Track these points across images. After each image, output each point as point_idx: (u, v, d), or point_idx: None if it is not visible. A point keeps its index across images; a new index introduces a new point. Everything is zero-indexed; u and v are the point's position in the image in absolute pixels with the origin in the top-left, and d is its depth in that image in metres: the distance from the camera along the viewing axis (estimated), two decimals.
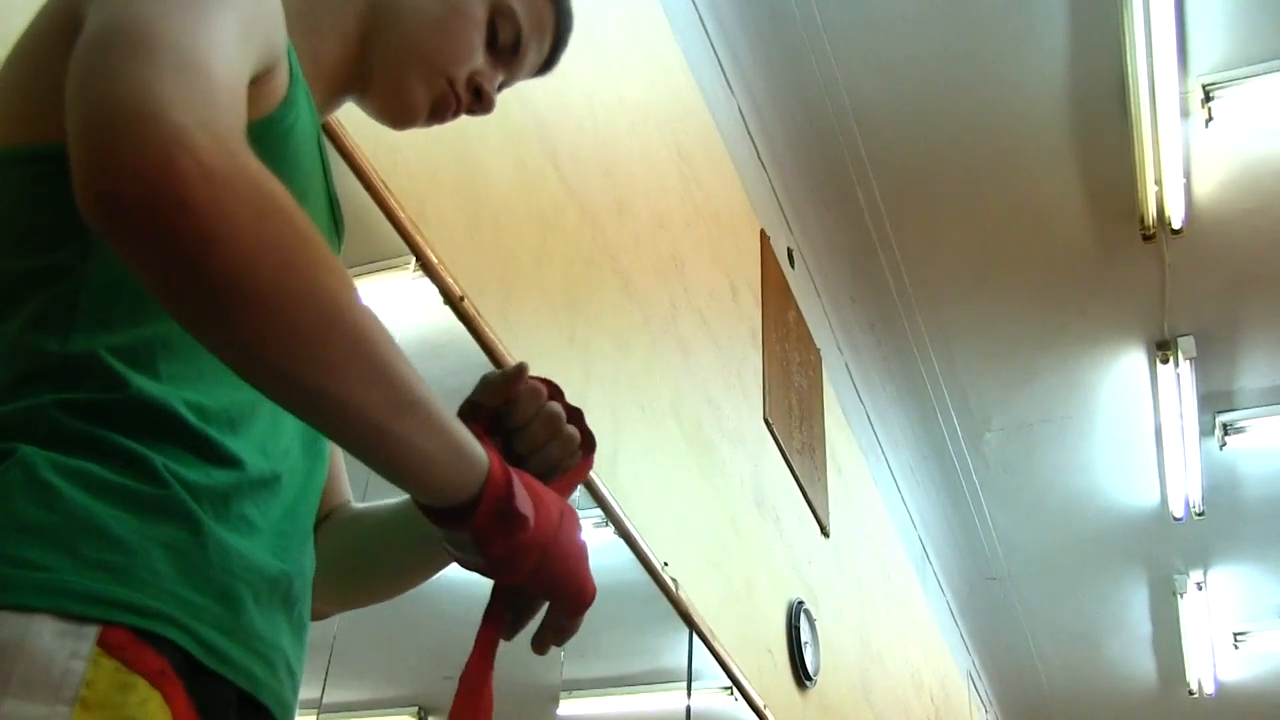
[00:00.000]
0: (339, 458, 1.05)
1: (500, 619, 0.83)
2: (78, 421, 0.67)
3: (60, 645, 0.60)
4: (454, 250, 1.90)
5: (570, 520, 0.82)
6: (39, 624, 0.60)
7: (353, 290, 0.66)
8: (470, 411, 0.84)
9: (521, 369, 0.86)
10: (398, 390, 0.67)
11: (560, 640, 0.85)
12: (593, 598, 0.83)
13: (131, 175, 0.58)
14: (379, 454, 0.69)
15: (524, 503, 0.76)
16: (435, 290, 1.84)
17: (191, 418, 0.71)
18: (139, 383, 0.70)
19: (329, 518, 1.02)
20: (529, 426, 0.86)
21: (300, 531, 0.81)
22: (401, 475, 0.71)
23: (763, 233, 3.88)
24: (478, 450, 0.74)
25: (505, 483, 0.75)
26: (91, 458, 0.66)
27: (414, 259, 1.79)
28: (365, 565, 1.01)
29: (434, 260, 1.81)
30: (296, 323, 0.62)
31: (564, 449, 0.87)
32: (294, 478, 0.80)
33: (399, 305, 1.83)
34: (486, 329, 1.93)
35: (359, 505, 1.04)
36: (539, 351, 2.17)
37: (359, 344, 0.65)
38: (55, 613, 0.60)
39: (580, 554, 0.82)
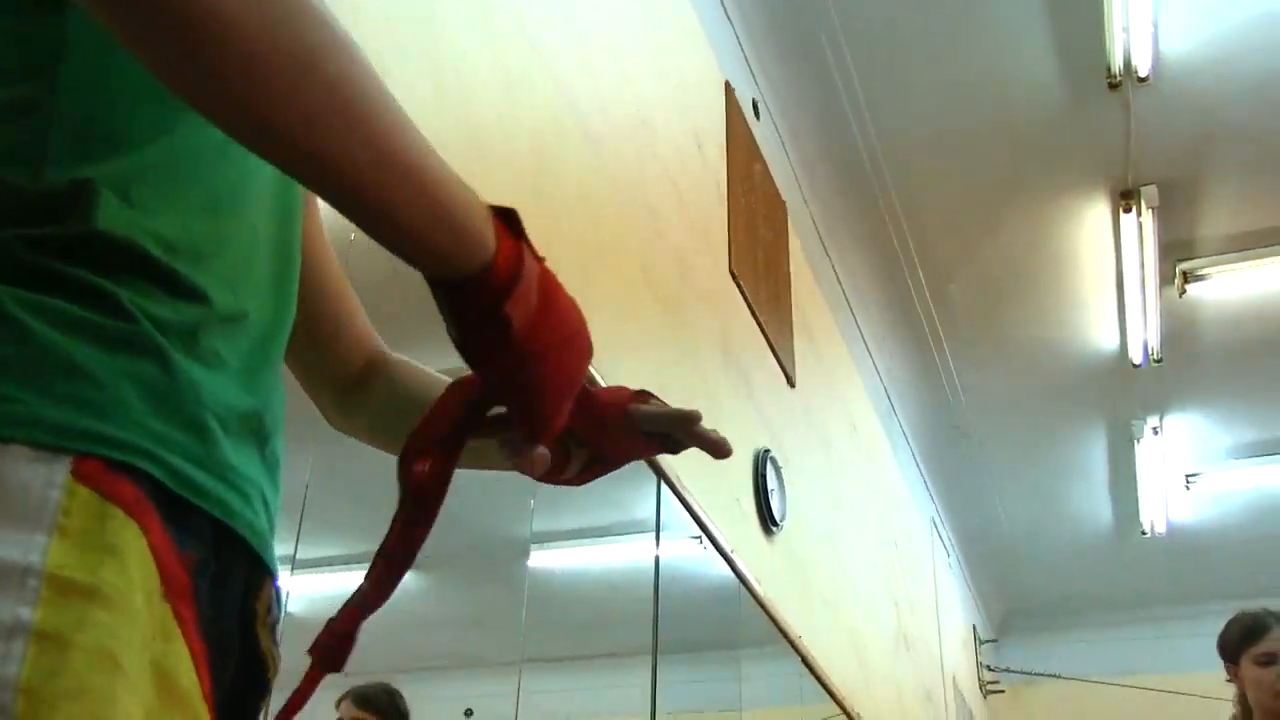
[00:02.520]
0: (353, 296, 1.04)
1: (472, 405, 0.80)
2: (42, 257, 0.66)
3: (35, 474, 0.60)
4: (417, 111, 1.88)
5: (577, 349, 0.78)
6: (13, 452, 0.60)
7: (345, 45, 0.64)
8: None
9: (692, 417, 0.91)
10: (385, 150, 0.66)
11: (515, 459, 0.81)
12: (554, 432, 0.79)
13: None
14: (364, 217, 0.67)
15: (520, 304, 0.71)
16: None
17: (157, 252, 0.70)
18: (106, 217, 0.69)
19: (371, 370, 1.02)
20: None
21: (269, 368, 0.81)
22: (389, 242, 0.68)
23: (727, 85, 3.84)
24: (481, 231, 0.70)
25: (507, 277, 0.71)
26: (57, 294, 0.65)
27: None
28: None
29: None
30: (268, 64, 0.60)
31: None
32: (262, 314, 0.80)
33: None
34: None
35: (407, 364, 1.03)
36: None
37: (339, 94, 0.63)
38: (28, 443, 0.60)
39: (565, 383, 0.78)
